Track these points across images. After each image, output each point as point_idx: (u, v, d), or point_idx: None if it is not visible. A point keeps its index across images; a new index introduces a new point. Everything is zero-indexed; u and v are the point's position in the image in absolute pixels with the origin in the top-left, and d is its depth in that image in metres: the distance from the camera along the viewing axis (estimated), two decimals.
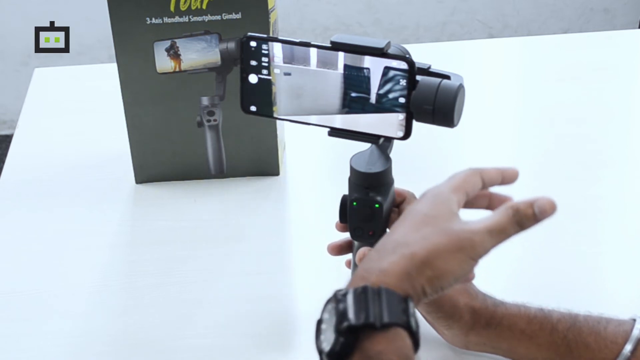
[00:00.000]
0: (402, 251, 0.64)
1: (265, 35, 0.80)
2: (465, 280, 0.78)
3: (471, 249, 0.66)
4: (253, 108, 0.84)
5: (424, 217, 0.67)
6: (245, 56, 0.81)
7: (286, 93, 0.81)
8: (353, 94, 0.79)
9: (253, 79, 0.82)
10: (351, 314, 0.60)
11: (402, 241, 0.65)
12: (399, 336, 0.60)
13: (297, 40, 0.79)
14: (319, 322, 0.63)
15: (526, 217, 0.70)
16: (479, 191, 0.72)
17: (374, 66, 0.77)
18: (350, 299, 0.61)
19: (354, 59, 0.78)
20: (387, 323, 0.59)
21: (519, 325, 0.81)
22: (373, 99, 0.78)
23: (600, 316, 0.81)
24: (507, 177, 0.73)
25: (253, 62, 0.81)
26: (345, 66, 0.78)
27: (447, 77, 0.78)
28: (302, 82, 0.80)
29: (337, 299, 0.62)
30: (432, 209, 0.68)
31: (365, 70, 0.78)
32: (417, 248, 0.64)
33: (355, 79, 0.78)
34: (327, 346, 0.61)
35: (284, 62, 0.80)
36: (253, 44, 0.80)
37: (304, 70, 0.80)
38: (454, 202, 0.69)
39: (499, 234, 0.68)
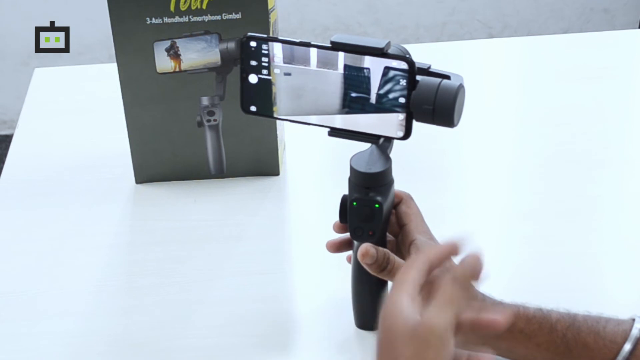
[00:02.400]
0: None
1: (265, 35, 0.80)
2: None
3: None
4: (253, 108, 0.84)
5: None
6: (245, 56, 0.81)
7: (286, 93, 0.81)
8: (353, 94, 0.79)
9: (253, 79, 0.82)
10: None
11: None
12: None
13: (297, 40, 0.79)
14: None
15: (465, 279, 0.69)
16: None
17: (374, 66, 0.77)
18: None
19: (354, 59, 0.78)
20: None
21: (517, 325, 0.81)
22: (373, 99, 0.78)
23: (599, 316, 0.81)
24: (455, 251, 0.71)
25: (253, 62, 0.81)
26: (346, 66, 0.78)
27: (447, 77, 0.78)
28: (302, 82, 0.80)
29: None
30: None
31: (365, 70, 0.78)
32: None
33: (355, 79, 0.78)
34: None
35: (284, 62, 0.80)
36: (253, 44, 0.80)
37: (304, 70, 0.80)
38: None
39: (451, 306, 0.67)
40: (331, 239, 0.88)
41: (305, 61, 0.79)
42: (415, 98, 0.76)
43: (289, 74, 0.80)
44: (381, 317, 0.68)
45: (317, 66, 0.79)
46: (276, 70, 0.81)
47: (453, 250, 0.72)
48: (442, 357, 0.66)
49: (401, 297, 0.67)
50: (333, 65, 0.79)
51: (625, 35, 1.67)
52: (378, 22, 2.77)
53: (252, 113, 0.84)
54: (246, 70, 0.82)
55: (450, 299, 0.67)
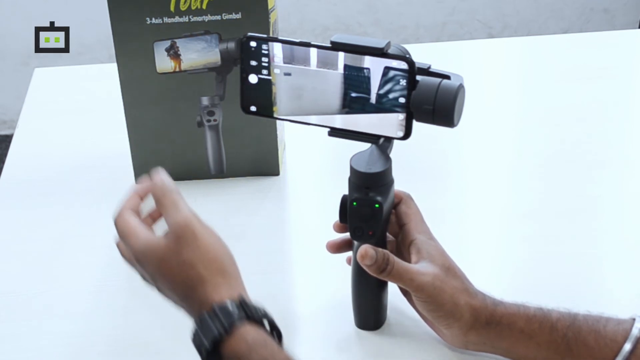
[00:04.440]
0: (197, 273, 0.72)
1: (265, 36, 0.80)
2: None
3: None
4: (253, 108, 0.84)
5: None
6: (245, 56, 0.81)
7: (286, 93, 0.81)
8: (353, 94, 0.79)
9: (253, 79, 0.82)
10: (203, 342, 0.70)
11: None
12: (243, 331, 0.69)
13: (297, 41, 0.79)
14: None
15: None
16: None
17: (374, 66, 0.77)
18: (198, 332, 0.71)
19: (354, 59, 0.78)
20: (228, 326, 0.69)
21: (518, 325, 0.81)
22: (373, 99, 0.78)
23: (599, 315, 0.81)
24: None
25: (253, 62, 0.81)
26: (346, 66, 0.78)
27: (447, 77, 0.78)
28: (302, 82, 0.80)
29: (193, 339, 0.71)
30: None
31: (365, 70, 0.78)
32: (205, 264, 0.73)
33: (355, 79, 0.78)
34: None
35: (284, 62, 0.80)
36: (253, 44, 0.80)
37: (304, 70, 0.80)
38: None
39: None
40: (331, 240, 0.88)
41: (305, 61, 0.79)
42: (415, 98, 0.76)
43: (289, 74, 0.80)
44: (143, 264, 0.75)
45: (317, 66, 0.79)
46: (276, 70, 0.81)
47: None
48: (200, 243, 0.73)
49: (139, 239, 0.75)
50: (333, 65, 0.79)
51: (625, 35, 1.68)
52: (378, 22, 2.78)
53: (252, 113, 0.84)
54: (246, 70, 0.82)
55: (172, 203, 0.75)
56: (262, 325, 0.71)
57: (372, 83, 0.78)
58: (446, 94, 0.76)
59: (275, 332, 0.72)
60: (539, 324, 0.81)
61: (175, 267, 0.72)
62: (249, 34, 0.81)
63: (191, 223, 0.74)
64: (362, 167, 0.81)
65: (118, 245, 0.80)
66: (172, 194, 0.76)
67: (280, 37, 0.80)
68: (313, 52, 0.79)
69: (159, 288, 0.76)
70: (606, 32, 2.10)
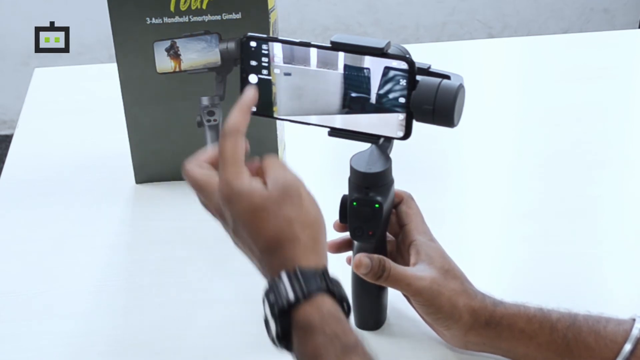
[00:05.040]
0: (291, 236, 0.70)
1: (265, 36, 0.80)
2: None
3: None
4: (253, 108, 0.84)
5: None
6: (245, 56, 0.81)
7: (286, 93, 0.81)
8: (353, 94, 0.79)
9: (253, 79, 0.82)
10: (279, 300, 0.67)
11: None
12: (321, 300, 0.67)
13: (297, 41, 0.79)
14: (266, 321, 0.69)
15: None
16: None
17: (374, 66, 0.77)
18: (275, 288, 0.68)
19: (354, 59, 0.78)
20: (309, 292, 0.67)
21: (518, 325, 0.81)
22: (373, 99, 0.78)
23: (599, 316, 0.81)
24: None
25: (253, 62, 0.81)
26: (346, 66, 0.78)
27: (447, 77, 0.78)
28: (302, 82, 0.80)
29: (267, 295, 0.69)
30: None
31: (365, 70, 0.78)
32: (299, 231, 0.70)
33: (355, 79, 0.78)
34: (274, 334, 0.68)
35: (284, 62, 0.80)
36: (253, 44, 0.80)
37: (304, 70, 0.80)
38: None
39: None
40: (331, 239, 0.88)
41: (305, 61, 0.79)
42: (415, 98, 0.76)
43: (289, 74, 0.80)
44: (231, 204, 0.71)
45: (317, 66, 0.79)
46: (276, 71, 0.81)
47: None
48: (304, 204, 0.71)
49: (239, 177, 0.70)
50: (333, 65, 0.79)
51: (625, 35, 1.68)
52: (378, 22, 2.78)
53: (252, 113, 0.84)
54: (246, 70, 0.81)
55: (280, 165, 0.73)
56: (338, 300, 0.69)
57: (372, 83, 0.78)
58: (446, 94, 0.76)
59: (346, 310, 0.70)
60: (539, 324, 0.81)
61: (272, 218, 0.69)
62: (249, 34, 0.81)
63: (300, 183, 0.72)
64: (362, 167, 0.81)
65: (188, 170, 0.74)
66: (278, 157, 0.74)
67: (280, 37, 0.80)
68: (313, 52, 0.79)
69: (238, 234, 0.72)
70: (606, 32, 2.10)
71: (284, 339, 0.68)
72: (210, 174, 0.73)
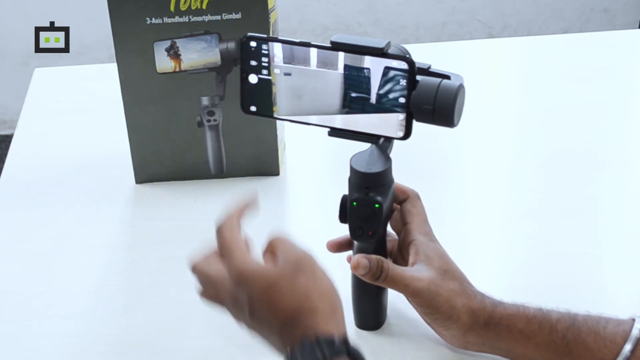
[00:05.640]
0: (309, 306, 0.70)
1: (265, 36, 0.80)
2: None
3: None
4: (253, 108, 0.84)
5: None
6: (245, 56, 0.81)
7: (286, 93, 0.81)
8: (353, 94, 0.79)
9: (253, 79, 0.82)
10: None
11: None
12: None
13: (297, 41, 0.79)
14: None
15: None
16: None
17: (374, 66, 0.77)
18: (298, 356, 0.68)
19: (354, 59, 0.78)
20: (328, 357, 0.67)
21: (517, 325, 0.81)
22: (373, 99, 0.78)
23: (599, 316, 0.81)
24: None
25: (253, 62, 0.81)
26: (346, 66, 0.78)
27: (447, 77, 0.78)
28: (303, 82, 0.80)
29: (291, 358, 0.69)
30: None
31: (365, 70, 0.78)
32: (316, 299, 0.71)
33: (355, 79, 0.78)
34: None
35: (284, 62, 0.80)
36: (253, 44, 0.80)
37: (304, 70, 0.80)
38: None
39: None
40: (331, 239, 0.88)
41: (305, 61, 0.79)
42: (415, 98, 0.76)
43: (289, 74, 0.80)
44: (243, 286, 0.71)
45: (317, 66, 0.79)
46: (276, 70, 0.81)
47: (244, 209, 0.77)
48: (317, 275, 0.71)
49: (247, 260, 0.72)
50: (333, 65, 0.79)
51: (625, 35, 1.68)
52: (378, 22, 2.78)
53: (252, 113, 0.84)
54: (246, 70, 0.81)
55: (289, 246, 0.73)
56: None
57: (372, 83, 0.78)
58: (446, 94, 0.76)
59: None
60: (538, 324, 0.81)
61: (288, 292, 0.70)
62: (249, 34, 0.81)
63: (311, 256, 0.72)
64: (362, 167, 0.81)
65: (197, 266, 0.76)
66: (284, 237, 0.74)
67: (280, 37, 0.80)
68: (313, 52, 0.79)
69: (255, 315, 0.72)
70: (606, 32, 2.10)
71: None
72: (218, 268, 0.74)
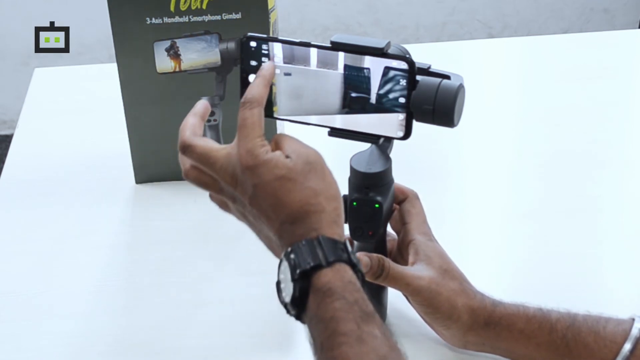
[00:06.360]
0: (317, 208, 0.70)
1: (265, 36, 0.80)
2: None
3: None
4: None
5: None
6: (245, 56, 0.81)
7: (286, 93, 0.81)
8: (353, 94, 0.79)
9: (253, 79, 0.82)
10: (302, 262, 0.67)
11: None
12: (343, 269, 0.67)
13: (297, 40, 0.79)
14: (278, 283, 0.70)
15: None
16: None
17: (374, 66, 0.77)
18: (298, 251, 0.68)
19: (354, 59, 0.78)
20: (332, 260, 0.67)
21: (517, 325, 0.81)
22: (373, 99, 0.78)
23: (599, 315, 0.81)
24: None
25: (253, 63, 0.81)
26: (346, 66, 0.78)
27: (447, 77, 0.78)
28: (302, 82, 0.80)
29: (287, 257, 0.69)
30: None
31: (365, 70, 0.78)
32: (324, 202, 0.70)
33: (355, 79, 0.78)
34: (288, 297, 0.68)
35: (284, 62, 0.80)
36: (253, 44, 0.80)
37: (304, 70, 0.80)
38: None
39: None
40: None
41: (306, 61, 0.79)
42: (415, 98, 0.76)
43: (289, 74, 0.80)
44: (252, 173, 0.70)
45: (317, 66, 0.79)
46: (276, 71, 0.81)
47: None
48: (327, 177, 0.71)
49: (262, 144, 0.71)
50: (333, 65, 0.79)
51: (625, 35, 1.68)
52: (378, 22, 2.77)
53: None
54: (246, 71, 0.81)
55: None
56: (357, 274, 0.69)
57: (372, 83, 0.78)
58: (446, 94, 0.76)
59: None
60: (538, 324, 0.81)
61: (298, 188, 0.69)
62: (249, 34, 0.81)
63: (321, 157, 0.72)
64: (362, 167, 0.81)
65: (194, 140, 0.75)
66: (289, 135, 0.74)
67: (280, 37, 0.80)
68: (313, 52, 0.79)
69: (256, 204, 0.71)
70: (606, 32, 2.10)
71: (297, 303, 0.68)
72: (212, 144, 0.73)
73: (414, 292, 0.82)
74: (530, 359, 0.82)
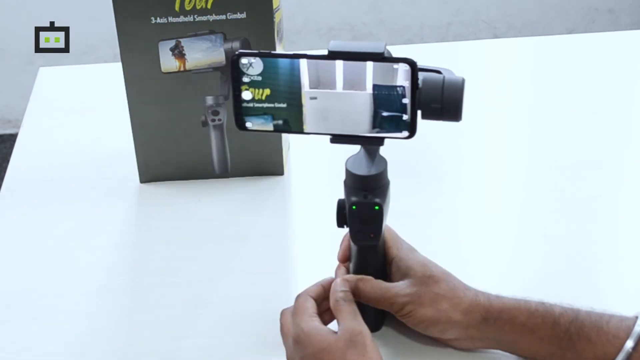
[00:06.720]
0: None
1: (256, 51, 0.78)
2: None
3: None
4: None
5: None
6: (236, 74, 0.78)
7: (313, 115, 0.79)
8: (385, 113, 0.77)
9: (247, 95, 0.81)
10: None
11: None
12: None
13: (291, 53, 0.77)
14: None
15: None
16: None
17: (377, 71, 0.76)
18: None
19: (385, 77, 0.76)
20: None
21: (519, 318, 0.81)
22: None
23: (602, 312, 0.81)
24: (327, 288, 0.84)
25: (245, 79, 0.79)
26: (375, 86, 0.76)
27: (438, 71, 0.77)
28: (329, 104, 0.78)
29: None
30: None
31: (399, 89, 0.76)
32: None
33: (385, 98, 0.77)
34: None
35: (310, 88, 0.78)
36: (244, 60, 0.78)
37: (330, 93, 0.78)
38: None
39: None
40: (339, 252, 0.88)
41: (331, 84, 0.77)
42: (422, 97, 0.75)
43: (315, 98, 0.78)
44: (301, 345, 0.78)
45: (344, 88, 0.78)
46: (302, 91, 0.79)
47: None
48: (368, 353, 0.76)
49: (311, 321, 0.79)
50: (361, 86, 0.77)
51: (630, 35, 1.67)
52: (383, 22, 2.77)
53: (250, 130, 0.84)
54: (238, 88, 0.80)
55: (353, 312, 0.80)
56: None
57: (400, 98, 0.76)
58: (452, 89, 0.75)
59: None
60: (541, 318, 0.81)
61: None
62: (240, 50, 0.78)
63: (366, 334, 0.77)
64: (361, 170, 0.80)
65: (283, 315, 0.84)
66: (352, 304, 0.80)
67: (272, 52, 0.78)
68: (339, 74, 0.76)
69: None
70: (611, 33, 2.09)
71: None
72: (289, 322, 0.82)
73: (398, 310, 0.83)
74: (535, 353, 0.82)
